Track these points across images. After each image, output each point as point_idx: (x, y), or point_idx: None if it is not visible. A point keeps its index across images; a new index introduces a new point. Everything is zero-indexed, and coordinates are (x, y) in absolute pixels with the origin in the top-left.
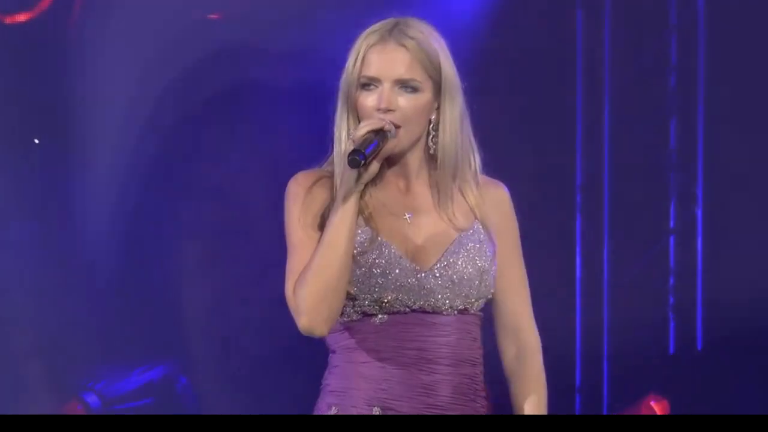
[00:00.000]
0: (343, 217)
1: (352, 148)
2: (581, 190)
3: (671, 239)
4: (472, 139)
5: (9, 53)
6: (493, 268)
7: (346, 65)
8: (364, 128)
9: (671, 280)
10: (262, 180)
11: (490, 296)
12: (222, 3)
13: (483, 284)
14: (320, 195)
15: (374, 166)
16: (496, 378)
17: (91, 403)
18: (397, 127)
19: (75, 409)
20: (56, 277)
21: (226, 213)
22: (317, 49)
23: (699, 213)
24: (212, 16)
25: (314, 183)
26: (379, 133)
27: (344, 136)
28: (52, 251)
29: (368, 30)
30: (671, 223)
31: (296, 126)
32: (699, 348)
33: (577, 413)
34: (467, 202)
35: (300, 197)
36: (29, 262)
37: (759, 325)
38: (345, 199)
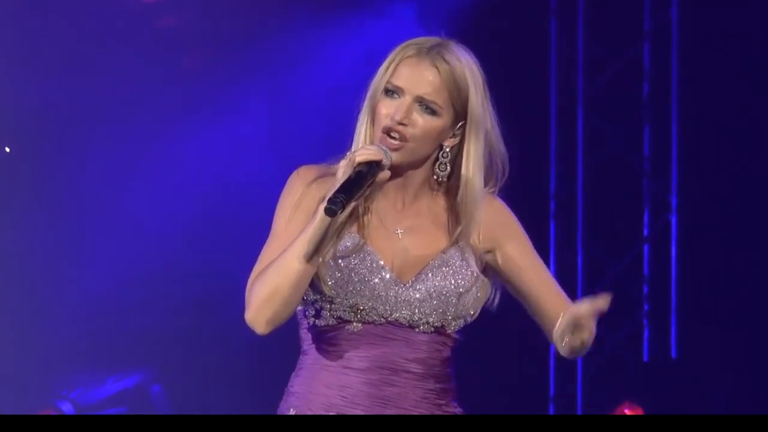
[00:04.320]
0: (317, 230)
1: (333, 191)
2: (555, 197)
3: (645, 247)
4: (501, 171)
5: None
6: (474, 289)
7: (379, 69)
8: (362, 155)
9: (645, 288)
10: (234, 189)
11: (469, 318)
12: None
13: (461, 303)
14: (317, 193)
15: (366, 192)
16: (469, 398)
17: (65, 411)
18: (407, 141)
19: None
20: (30, 286)
21: (202, 224)
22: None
23: (673, 221)
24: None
25: (315, 179)
26: (373, 164)
27: (362, 138)
28: (26, 259)
29: (409, 41)
30: (645, 231)
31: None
32: (673, 356)
33: None
34: (460, 225)
35: (296, 191)
36: (2, 270)
37: (733, 333)
38: (323, 218)
